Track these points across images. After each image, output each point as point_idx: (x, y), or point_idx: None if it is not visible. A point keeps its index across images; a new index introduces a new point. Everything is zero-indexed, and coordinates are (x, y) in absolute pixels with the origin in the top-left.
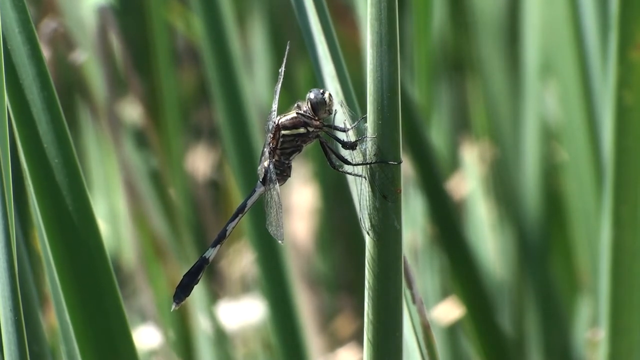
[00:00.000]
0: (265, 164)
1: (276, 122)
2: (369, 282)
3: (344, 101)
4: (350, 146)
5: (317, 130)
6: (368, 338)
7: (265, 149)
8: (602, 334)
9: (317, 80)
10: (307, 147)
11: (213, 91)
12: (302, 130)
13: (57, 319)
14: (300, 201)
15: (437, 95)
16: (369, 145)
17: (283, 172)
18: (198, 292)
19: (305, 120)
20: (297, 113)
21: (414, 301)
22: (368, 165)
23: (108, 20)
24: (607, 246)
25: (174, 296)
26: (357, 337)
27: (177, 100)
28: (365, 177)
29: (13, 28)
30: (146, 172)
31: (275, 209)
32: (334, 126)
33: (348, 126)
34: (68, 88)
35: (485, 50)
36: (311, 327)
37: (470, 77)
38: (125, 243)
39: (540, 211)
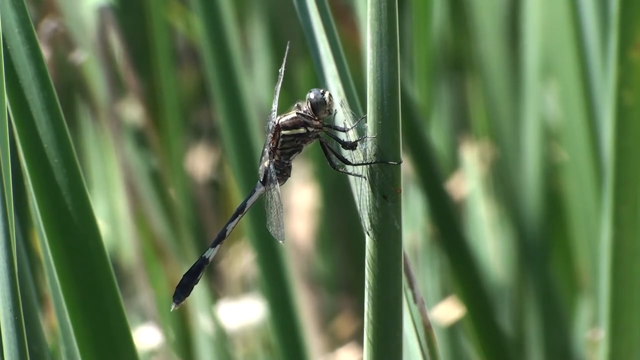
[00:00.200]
0: (266, 164)
1: (276, 122)
2: (369, 282)
3: (344, 101)
4: (351, 146)
5: (317, 130)
6: (368, 338)
7: (265, 149)
8: (602, 334)
9: (318, 80)
10: (307, 147)
11: (213, 91)
12: (302, 130)
13: (57, 319)
14: (300, 201)
15: (437, 95)
16: (369, 145)
17: (283, 172)
18: (198, 292)
19: (305, 120)
20: (297, 113)
21: (415, 301)
22: (368, 165)
23: (108, 20)
24: (607, 246)
25: (173, 296)
26: (357, 337)
27: (177, 100)
28: (365, 177)
29: (12, 28)
30: (146, 172)
31: (275, 209)
32: (334, 126)
33: (348, 126)
34: (68, 88)
35: (485, 50)
36: (311, 327)
37: (470, 77)
38: (125, 243)
39: (540, 211)
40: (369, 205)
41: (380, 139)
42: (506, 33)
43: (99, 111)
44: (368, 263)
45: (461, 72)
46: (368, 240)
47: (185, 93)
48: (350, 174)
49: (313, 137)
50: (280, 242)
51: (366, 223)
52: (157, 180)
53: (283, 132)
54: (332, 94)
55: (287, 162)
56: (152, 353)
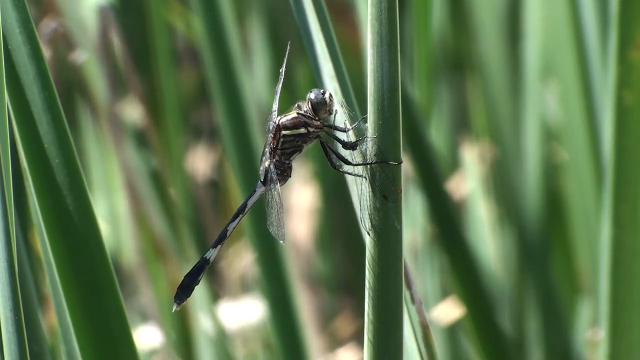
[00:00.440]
0: (266, 164)
1: (277, 122)
2: (369, 282)
3: (344, 101)
4: (351, 146)
5: (318, 130)
6: (368, 338)
7: (266, 149)
8: (602, 334)
9: (316, 80)
10: (308, 147)
11: (213, 91)
12: (302, 130)
13: (57, 319)
14: (300, 201)
15: (437, 95)
16: (369, 146)
17: (283, 172)
18: (198, 292)
19: (306, 120)
20: (297, 113)
21: (413, 301)
22: (368, 166)
23: (108, 20)
24: (607, 246)
25: (175, 297)
26: (357, 337)
27: (177, 100)
28: (365, 177)
29: (14, 28)
30: (146, 172)
31: (276, 209)
32: (335, 126)
33: (348, 126)
34: (68, 88)
35: (485, 50)
36: (311, 327)
37: (470, 77)
38: (125, 243)
39: (540, 211)
40: (369, 206)
41: (380, 139)
42: (506, 33)
43: (99, 111)
44: (368, 263)
45: (461, 72)
46: (368, 240)
47: (185, 93)
48: (350, 174)
49: (313, 137)
50: (281, 242)
51: (366, 223)
52: (157, 180)
53: (283, 132)
54: (332, 94)
55: (287, 162)
56: (152, 353)
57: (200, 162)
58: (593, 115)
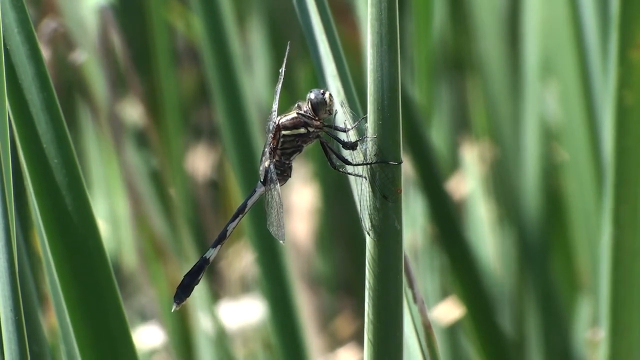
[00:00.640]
0: (266, 164)
1: (277, 122)
2: (369, 282)
3: (344, 101)
4: (351, 146)
5: (318, 130)
6: (368, 338)
7: (266, 149)
8: (602, 334)
9: (318, 80)
10: (308, 147)
11: (213, 91)
12: (302, 130)
13: (57, 318)
14: (300, 201)
15: (437, 95)
16: (369, 146)
17: (283, 173)
18: (198, 292)
19: (306, 120)
20: (297, 113)
21: (415, 301)
22: (368, 166)
23: (108, 20)
24: (607, 246)
25: (174, 296)
26: (357, 337)
27: (177, 100)
28: (365, 177)
29: (12, 28)
30: (146, 172)
31: (276, 209)
32: (335, 126)
33: (348, 126)
34: (68, 88)
35: (485, 50)
36: (311, 327)
37: (470, 77)
38: (125, 243)
39: (540, 211)
40: (370, 206)
41: (380, 139)
42: (506, 33)
43: (99, 111)
44: (368, 263)
45: (461, 72)
46: (368, 240)
47: (185, 93)
48: (350, 174)
49: (313, 138)
50: (281, 242)
51: (366, 223)
52: (157, 180)
53: (283, 132)
54: (332, 94)
55: (287, 162)
56: (152, 353)
57: (200, 162)
58: (593, 115)
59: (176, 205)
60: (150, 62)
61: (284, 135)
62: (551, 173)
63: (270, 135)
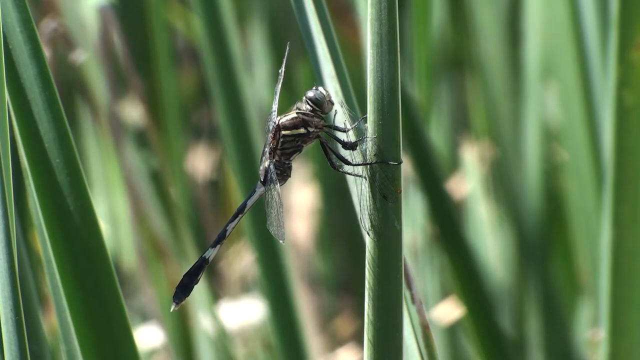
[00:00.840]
0: (266, 164)
1: (276, 122)
2: (369, 282)
3: (344, 101)
4: (351, 146)
5: (318, 130)
6: (368, 338)
7: (266, 149)
8: (602, 334)
9: (317, 81)
10: (307, 147)
11: (213, 91)
12: (302, 130)
13: (57, 319)
14: (300, 201)
15: (437, 95)
16: (369, 146)
17: (283, 173)
18: (198, 292)
19: (306, 119)
20: (297, 113)
21: (413, 301)
22: (368, 166)
23: (109, 20)
24: (607, 246)
25: (174, 296)
26: (357, 337)
27: (177, 100)
28: (365, 178)
29: (14, 27)
30: (146, 172)
31: (276, 209)
32: (334, 126)
33: (348, 126)
34: (68, 88)
35: (485, 50)
36: (311, 327)
37: (470, 77)
38: (125, 243)
39: (540, 211)
40: (369, 206)
41: (380, 139)
42: (506, 33)
43: (99, 111)
44: (368, 263)
45: (461, 72)
46: (368, 240)
47: (185, 93)
48: (350, 174)
49: (313, 137)
50: (281, 242)
51: (366, 223)
52: (158, 180)
53: (283, 132)
54: (329, 91)
55: (287, 162)
56: (152, 353)
57: (200, 162)
58: (593, 115)
59: (176, 205)
60: (150, 62)
61: (283, 135)
62: (551, 173)
63: (270, 135)
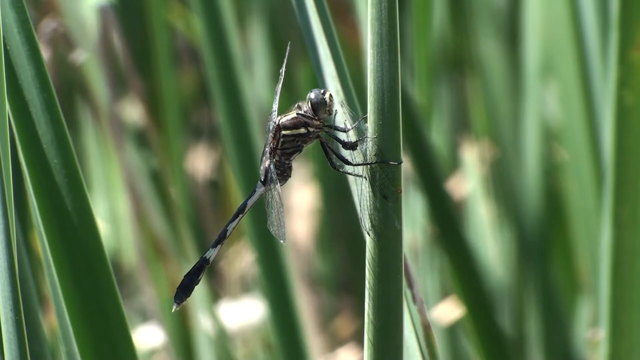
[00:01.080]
0: (266, 164)
1: (277, 122)
2: (369, 282)
3: (344, 101)
4: (351, 146)
5: (318, 130)
6: (368, 338)
7: (266, 149)
8: (602, 334)
9: (317, 81)
10: (308, 147)
11: (213, 91)
12: (302, 130)
13: (57, 319)
14: (300, 201)
15: (437, 95)
16: (369, 146)
17: (284, 172)
18: (198, 292)
19: (306, 120)
20: (297, 113)
21: (414, 301)
22: (368, 166)
23: (109, 20)
24: (607, 246)
25: (174, 297)
26: (357, 337)
27: (177, 100)
28: (365, 178)
29: (12, 28)
30: (146, 172)
31: (276, 209)
32: (335, 126)
33: (348, 126)
34: (68, 88)
35: (486, 50)
36: (311, 327)
37: (470, 77)
38: (125, 243)
39: (540, 211)
40: (370, 206)
41: (380, 139)
42: (506, 33)
43: (99, 111)
44: (368, 263)
45: (461, 72)
46: (368, 240)
47: (185, 93)
48: (350, 174)
49: (313, 137)
50: (281, 242)
51: (366, 223)
52: (158, 180)
53: (283, 132)
54: (332, 94)
55: (287, 162)
56: (152, 353)
57: (200, 162)
58: (593, 115)
59: (176, 205)
60: (150, 62)
61: (284, 135)
62: (551, 173)
63: (271, 135)
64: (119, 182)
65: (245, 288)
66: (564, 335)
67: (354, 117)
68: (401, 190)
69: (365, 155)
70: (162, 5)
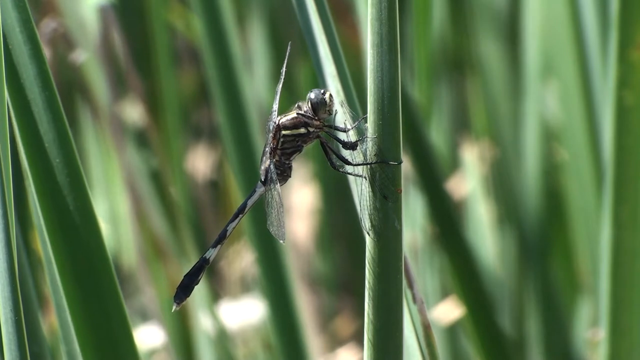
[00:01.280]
0: (267, 164)
1: (277, 122)
2: (369, 282)
3: (344, 101)
4: (351, 146)
5: (318, 130)
6: (368, 338)
7: (266, 149)
8: (602, 334)
9: (318, 80)
10: (308, 147)
11: (213, 91)
12: (302, 130)
13: (57, 319)
14: (300, 201)
15: (437, 95)
16: (369, 146)
17: (284, 172)
18: (198, 292)
19: (306, 120)
20: (297, 113)
21: (414, 301)
22: (368, 166)
23: (109, 20)
24: (607, 246)
25: (174, 297)
26: (357, 337)
27: (177, 100)
28: (365, 178)
29: (14, 27)
30: (146, 172)
31: (276, 209)
32: (335, 126)
33: (348, 126)
34: (68, 88)
35: (486, 50)
36: (311, 327)
37: (470, 77)
38: (125, 243)
39: (540, 211)
40: (370, 206)
41: (380, 139)
42: (506, 33)
43: (100, 111)
44: (368, 263)
45: (461, 72)
46: (368, 240)
47: (185, 93)
48: (350, 174)
49: (313, 137)
50: (281, 242)
51: (366, 223)
52: (158, 180)
53: (283, 132)
54: (332, 94)
55: (287, 162)
56: (152, 353)
57: (200, 162)
58: (593, 115)
59: (176, 205)
60: (150, 62)
61: (284, 135)
62: (551, 173)
63: (271, 135)
64: (119, 182)
65: (245, 288)
66: (564, 335)
67: (354, 117)
68: (401, 190)
69: (365, 155)
70: (162, 5)
